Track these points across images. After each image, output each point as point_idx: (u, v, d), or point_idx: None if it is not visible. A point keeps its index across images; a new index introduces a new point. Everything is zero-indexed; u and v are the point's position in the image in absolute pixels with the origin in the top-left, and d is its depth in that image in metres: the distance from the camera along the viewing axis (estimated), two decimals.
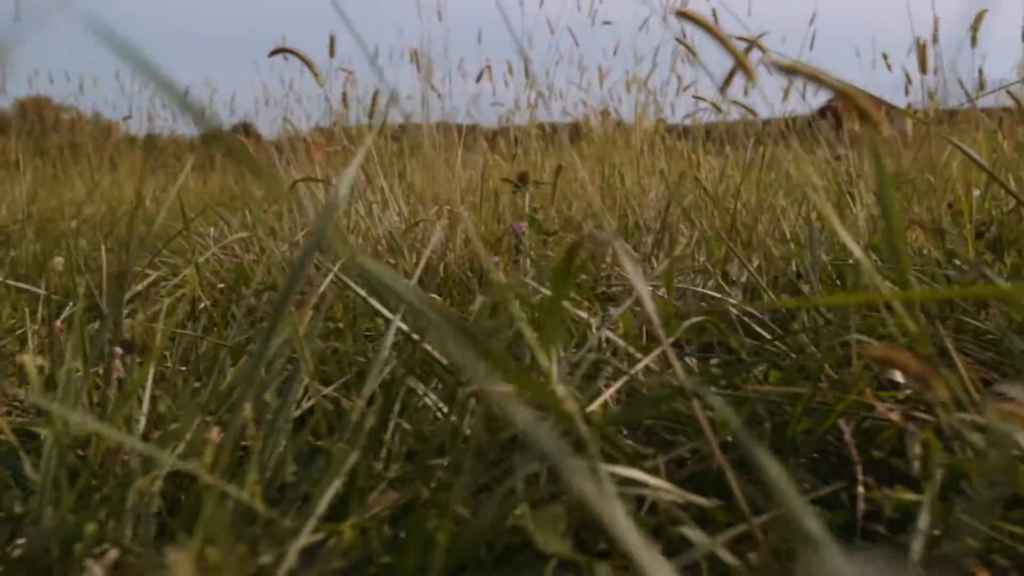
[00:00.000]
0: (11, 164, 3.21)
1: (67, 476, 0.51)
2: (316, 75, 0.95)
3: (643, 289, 0.46)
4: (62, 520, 0.49)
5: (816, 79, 0.39)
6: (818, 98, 2.45)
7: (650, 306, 0.45)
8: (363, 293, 0.60)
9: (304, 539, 0.39)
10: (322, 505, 0.41)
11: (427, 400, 0.65)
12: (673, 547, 0.52)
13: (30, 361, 0.48)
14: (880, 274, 0.76)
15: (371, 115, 1.14)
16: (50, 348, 0.60)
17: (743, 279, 1.25)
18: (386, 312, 0.59)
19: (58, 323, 1.15)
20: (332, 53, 1.15)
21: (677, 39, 1.54)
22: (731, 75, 1.04)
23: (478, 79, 2.02)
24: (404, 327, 0.58)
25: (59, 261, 1.59)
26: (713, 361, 0.87)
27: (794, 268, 1.24)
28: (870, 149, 0.43)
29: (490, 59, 2.41)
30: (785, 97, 1.77)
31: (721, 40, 0.54)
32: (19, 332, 1.13)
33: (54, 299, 1.28)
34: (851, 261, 1.24)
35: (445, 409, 0.65)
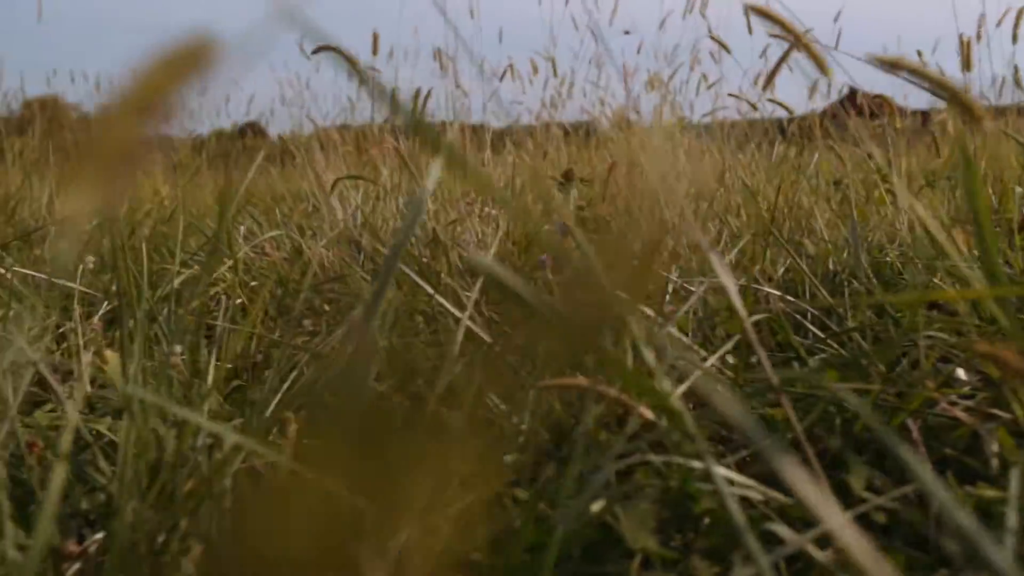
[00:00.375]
0: (28, 163, 3.22)
1: (146, 471, 0.51)
2: (359, 73, 0.95)
3: (731, 284, 0.46)
4: (145, 515, 0.49)
5: (919, 74, 0.38)
6: (839, 94, 2.43)
7: (738, 301, 0.45)
8: (430, 290, 0.60)
9: (404, 535, 0.39)
10: (419, 500, 0.41)
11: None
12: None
13: (113, 357, 0.48)
14: (944, 270, 0.76)
15: (413, 112, 1.14)
16: (120, 346, 0.60)
17: (778, 275, 1.25)
18: (455, 311, 0.59)
19: (95, 320, 1.15)
20: (375, 51, 1.15)
21: (712, 36, 1.54)
22: (774, 72, 1.04)
23: (501, 78, 2.02)
24: (474, 327, 0.58)
25: (90, 259, 1.60)
26: (752, 359, 0.87)
27: (831, 267, 1.23)
28: (960, 144, 0.43)
29: (512, 58, 2.41)
30: (811, 95, 1.76)
31: (795, 35, 0.54)
32: (59, 331, 1.14)
33: (87, 297, 1.28)
34: (888, 259, 1.24)
35: (504, 407, 0.65)
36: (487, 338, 0.60)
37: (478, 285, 0.60)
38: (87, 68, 3.62)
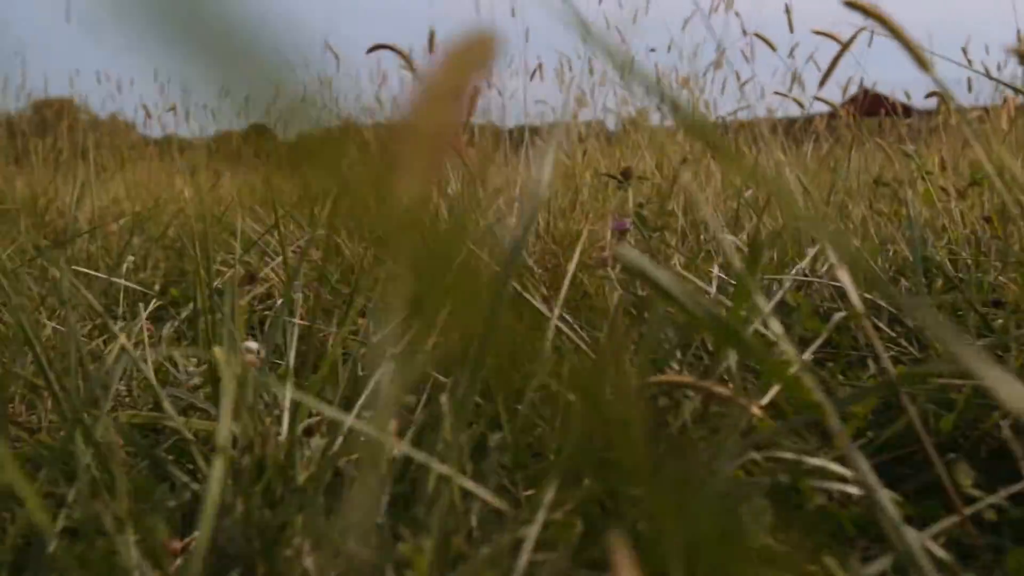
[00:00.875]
0: (55, 164, 3.24)
1: (253, 467, 0.51)
2: (414, 71, 0.95)
3: (845, 278, 0.46)
4: (252, 512, 0.49)
5: None
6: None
7: (855, 297, 0.45)
8: (518, 287, 0.60)
9: (536, 530, 0.39)
10: (548, 496, 0.41)
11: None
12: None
13: (220, 354, 0.48)
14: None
15: (470, 112, 1.14)
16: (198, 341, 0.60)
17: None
18: (544, 310, 0.59)
19: (143, 318, 1.16)
20: (432, 48, 1.15)
21: (756, 34, 1.54)
22: (830, 69, 1.03)
23: (531, 77, 2.03)
24: (563, 326, 0.58)
25: (131, 260, 1.60)
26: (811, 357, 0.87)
27: (877, 264, 1.23)
28: None
29: (540, 57, 2.42)
30: (843, 93, 1.76)
31: (894, 31, 0.54)
32: (108, 332, 1.14)
33: (137, 294, 1.29)
34: (938, 257, 1.23)
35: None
36: (576, 338, 0.60)
37: (565, 285, 0.60)
38: (100, 71, 3.61)
